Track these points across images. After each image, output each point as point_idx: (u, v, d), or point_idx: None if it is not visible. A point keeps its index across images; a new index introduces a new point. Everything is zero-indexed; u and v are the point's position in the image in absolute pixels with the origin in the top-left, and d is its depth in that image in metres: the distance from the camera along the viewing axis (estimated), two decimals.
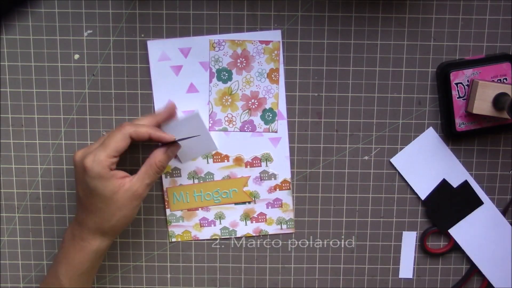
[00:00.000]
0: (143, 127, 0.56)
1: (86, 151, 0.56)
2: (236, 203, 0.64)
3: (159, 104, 0.62)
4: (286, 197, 0.64)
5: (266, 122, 0.63)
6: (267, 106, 0.62)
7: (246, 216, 0.65)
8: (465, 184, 0.64)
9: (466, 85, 0.60)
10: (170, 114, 0.60)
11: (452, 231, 0.65)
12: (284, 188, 0.64)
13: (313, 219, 0.65)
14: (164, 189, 0.64)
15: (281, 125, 0.63)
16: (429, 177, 0.64)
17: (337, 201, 0.65)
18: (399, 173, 0.64)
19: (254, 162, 0.63)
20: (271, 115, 0.62)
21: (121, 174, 0.55)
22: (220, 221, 0.65)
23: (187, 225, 0.65)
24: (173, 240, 0.65)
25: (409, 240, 0.66)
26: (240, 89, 0.62)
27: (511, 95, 0.58)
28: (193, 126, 0.61)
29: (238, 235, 0.65)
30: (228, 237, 0.65)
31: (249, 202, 0.64)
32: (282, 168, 0.63)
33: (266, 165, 0.63)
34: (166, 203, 0.64)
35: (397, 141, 0.63)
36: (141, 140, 0.56)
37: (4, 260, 0.65)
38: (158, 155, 0.57)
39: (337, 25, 0.61)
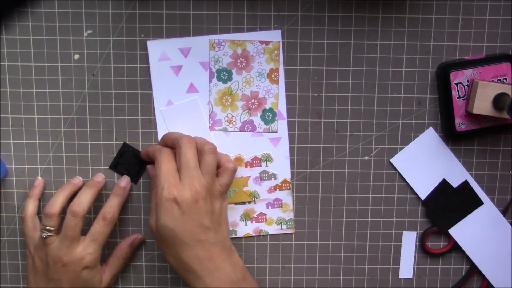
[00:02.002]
0: (124, 244, 0.63)
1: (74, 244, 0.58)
2: (236, 203, 0.64)
3: (159, 104, 0.62)
4: (286, 197, 0.64)
5: (266, 122, 0.63)
6: (267, 106, 0.62)
7: (246, 216, 0.65)
8: (465, 184, 0.64)
9: (466, 85, 0.60)
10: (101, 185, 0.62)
11: (452, 231, 0.65)
12: (284, 188, 0.64)
13: (313, 219, 0.65)
14: None
15: (281, 125, 0.63)
16: (429, 177, 0.64)
17: (337, 201, 0.65)
18: (399, 173, 0.64)
19: (254, 162, 0.63)
20: (271, 115, 0.63)
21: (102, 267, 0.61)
22: None
23: None
24: None
25: (409, 240, 0.66)
26: (240, 89, 0.62)
27: (511, 95, 0.58)
28: (191, 112, 0.61)
29: (238, 235, 0.65)
30: None
31: (249, 202, 0.64)
32: (282, 168, 0.63)
33: (266, 165, 0.63)
34: None
35: (397, 141, 0.63)
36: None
37: (4, 260, 0.65)
38: (124, 248, 0.63)
39: (337, 25, 0.61)
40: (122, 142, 0.62)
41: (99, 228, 0.58)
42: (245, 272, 0.57)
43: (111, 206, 0.59)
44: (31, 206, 0.61)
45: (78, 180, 0.62)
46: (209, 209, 0.55)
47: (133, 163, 0.62)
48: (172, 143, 0.58)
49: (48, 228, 0.57)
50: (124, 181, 0.62)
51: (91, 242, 0.58)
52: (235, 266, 0.56)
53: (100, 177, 0.62)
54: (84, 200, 0.58)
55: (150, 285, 0.66)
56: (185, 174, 0.54)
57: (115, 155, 0.63)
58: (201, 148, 0.56)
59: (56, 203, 0.58)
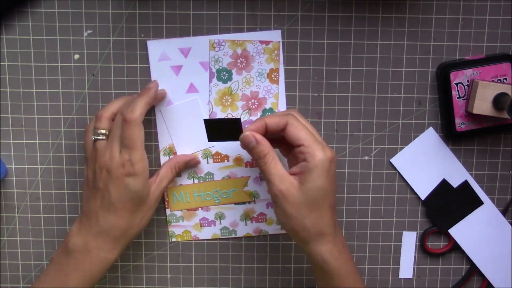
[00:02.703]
0: (183, 158, 0.61)
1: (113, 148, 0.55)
2: (236, 203, 0.64)
3: (159, 104, 0.62)
4: None
5: None
6: (267, 106, 0.62)
7: (246, 216, 0.65)
8: (465, 184, 0.64)
9: (466, 85, 0.60)
10: (161, 95, 0.60)
11: (452, 231, 0.65)
12: None
13: None
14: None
15: None
16: (429, 177, 0.64)
17: (337, 201, 0.65)
18: (399, 173, 0.64)
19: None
20: None
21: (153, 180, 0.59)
22: (220, 221, 0.65)
23: (187, 225, 0.65)
24: (173, 240, 0.65)
25: (409, 240, 0.66)
26: (240, 89, 0.62)
27: (511, 95, 0.58)
28: (190, 112, 0.61)
29: (238, 235, 0.65)
30: (228, 237, 0.65)
31: (249, 202, 0.64)
32: None
33: None
34: (166, 203, 0.64)
35: (397, 141, 0.63)
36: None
37: (4, 260, 0.65)
38: (180, 161, 0.61)
39: (337, 25, 0.61)
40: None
41: (127, 131, 0.54)
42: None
43: (136, 106, 0.55)
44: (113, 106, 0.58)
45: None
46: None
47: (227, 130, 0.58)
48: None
49: (99, 131, 0.56)
50: (153, 83, 0.59)
51: (125, 149, 0.54)
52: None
53: (153, 84, 0.58)
54: (136, 106, 0.55)
55: (150, 285, 0.66)
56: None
57: None
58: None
59: (109, 107, 0.57)
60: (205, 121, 0.56)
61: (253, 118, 0.62)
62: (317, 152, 0.53)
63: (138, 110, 0.55)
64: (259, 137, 0.54)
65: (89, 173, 0.57)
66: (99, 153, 0.56)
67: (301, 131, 0.53)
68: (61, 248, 0.58)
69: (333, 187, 0.55)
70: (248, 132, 0.54)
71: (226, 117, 0.57)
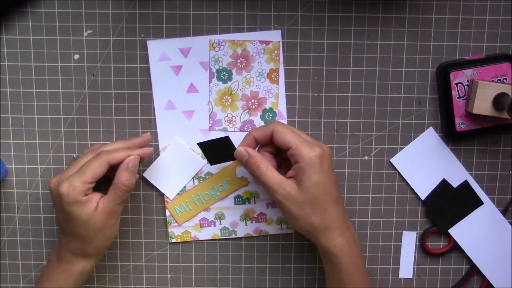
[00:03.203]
0: (120, 152, 0.57)
1: (61, 177, 0.56)
2: (236, 201, 0.64)
3: (159, 104, 0.62)
4: None
5: (266, 122, 0.63)
6: (267, 106, 0.62)
7: (246, 216, 0.65)
8: (465, 184, 0.64)
9: (466, 85, 0.60)
10: (144, 145, 0.60)
11: (452, 231, 0.65)
12: None
13: None
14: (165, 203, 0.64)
15: None
16: (429, 177, 0.64)
17: None
18: (399, 173, 0.64)
19: None
20: (271, 115, 0.63)
21: (95, 197, 0.56)
22: (220, 222, 0.65)
23: (187, 226, 0.65)
24: (173, 241, 0.65)
25: (409, 240, 0.66)
26: (240, 89, 0.62)
27: (511, 95, 0.58)
28: (224, 148, 0.60)
29: (238, 235, 0.65)
30: (228, 237, 0.65)
31: (246, 185, 0.64)
32: None
33: None
34: (165, 203, 0.64)
35: (397, 141, 0.63)
36: (119, 163, 0.57)
37: (4, 260, 0.65)
38: (121, 174, 0.56)
39: (337, 25, 0.61)
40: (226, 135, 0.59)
41: (94, 165, 0.55)
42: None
43: (126, 176, 0.56)
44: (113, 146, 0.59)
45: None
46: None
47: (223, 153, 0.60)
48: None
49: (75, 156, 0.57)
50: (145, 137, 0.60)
51: (77, 174, 0.55)
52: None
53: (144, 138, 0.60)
54: (112, 146, 0.58)
55: (150, 285, 0.66)
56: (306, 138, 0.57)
57: None
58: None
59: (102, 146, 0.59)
60: (199, 144, 0.59)
61: (253, 118, 0.62)
62: (305, 151, 0.54)
63: (112, 146, 0.58)
64: (251, 150, 0.57)
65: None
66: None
67: (287, 134, 0.56)
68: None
69: (331, 181, 0.56)
70: (240, 147, 0.58)
71: (216, 138, 0.59)
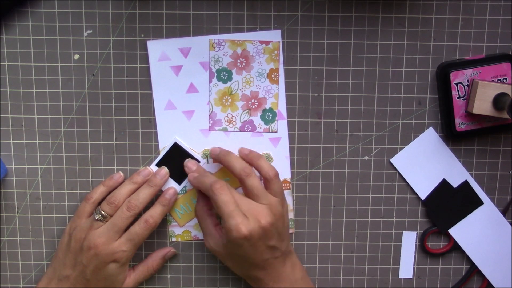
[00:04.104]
0: (157, 254, 0.64)
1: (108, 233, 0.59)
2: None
3: (159, 104, 0.62)
4: (286, 197, 0.64)
5: (266, 122, 0.63)
6: (267, 106, 0.62)
7: None
8: (465, 184, 0.64)
9: (466, 85, 0.60)
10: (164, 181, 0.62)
11: (452, 231, 0.65)
12: (284, 188, 0.64)
13: (313, 219, 0.65)
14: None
15: (281, 125, 0.63)
16: (429, 177, 0.64)
17: (337, 201, 0.65)
18: (399, 173, 0.64)
19: None
20: (271, 115, 0.63)
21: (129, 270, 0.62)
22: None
23: (187, 225, 0.65)
24: (173, 240, 0.65)
25: (409, 240, 0.66)
26: (240, 89, 0.62)
27: (511, 95, 0.58)
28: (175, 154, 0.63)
29: None
30: None
31: None
32: (282, 168, 0.63)
33: None
34: (175, 221, 0.64)
35: (397, 141, 0.63)
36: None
37: (4, 260, 0.65)
38: (157, 259, 0.64)
39: (337, 25, 0.61)
40: (174, 142, 0.62)
41: (139, 230, 0.58)
42: (303, 272, 0.62)
43: (155, 213, 0.60)
44: (100, 193, 0.61)
45: (146, 174, 0.62)
46: (274, 230, 0.57)
47: (178, 165, 0.63)
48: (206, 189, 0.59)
49: (103, 213, 0.58)
50: (171, 192, 0.62)
51: (128, 241, 0.58)
52: (294, 268, 0.60)
53: (171, 193, 0.62)
54: (142, 198, 0.59)
55: (150, 285, 0.66)
56: (250, 208, 0.57)
57: (115, 155, 0.63)
58: (267, 175, 0.59)
59: (121, 195, 0.59)
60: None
61: (253, 118, 0.62)
62: (229, 231, 0.55)
63: (158, 218, 0.60)
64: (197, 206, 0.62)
65: (73, 242, 0.59)
66: (93, 234, 0.58)
67: (220, 207, 0.56)
68: None
69: (257, 255, 0.57)
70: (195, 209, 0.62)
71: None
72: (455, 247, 0.66)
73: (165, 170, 0.62)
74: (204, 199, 0.61)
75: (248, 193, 0.58)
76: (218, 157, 0.61)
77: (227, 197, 0.55)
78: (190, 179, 0.61)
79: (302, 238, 0.65)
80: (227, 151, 0.61)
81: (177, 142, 0.61)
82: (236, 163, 0.58)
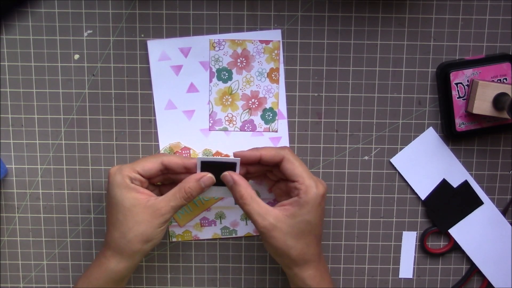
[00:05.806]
0: (177, 158, 0.57)
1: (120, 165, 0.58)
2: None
3: (159, 104, 0.62)
4: None
5: (267, 122, 0.63)
6: (267, 106, 0.62)
7: (247, 216, 0.65)
8: (465, 184, 0.64)
9: (466, 85, 0.60)
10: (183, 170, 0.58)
11: (452, 231, 0.65)
12: None
13: None
14: None
15: (281, 125, 0.63)
16: (429, 177, 0.64)
17: (337, 201, 0.65)
18: (399, 173, 0.64)
19: None
20: (271, 115, 0.63)
21: (146, 192, 0.56)
22: (220, 221, 0.65)
23: (188, 225, 0.65)
24: (174, 240, 0.65)
25: (409, 240, 0.66)
26: (240, 89, 0.62)
27: (511, 95, 0.58)
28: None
29: (239, 235, 0.65)
30: (228, 236, 0.65)
31: None
32: None
33: None
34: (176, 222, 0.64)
35: (397, 141, 0.63)
36: (174, 170, 0.57)
37: (4, 260, 0.65)
38: (190, 181, 0.56)
39: (337, 25, 0.61)
40: (200, 162, 0.57)
41: (148, 159, 0.57)
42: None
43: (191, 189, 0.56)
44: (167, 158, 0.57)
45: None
46: None
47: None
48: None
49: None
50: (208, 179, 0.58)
51: (130, 163, 0.57)
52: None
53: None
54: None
55: (150, 285, 0.66)
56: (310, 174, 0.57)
57: (115, 155, 0.63)
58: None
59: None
60: (201, 162, 0.56)
61: (253, 117, 0.62)
62: (311, 188, 0.55)
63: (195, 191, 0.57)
64: (236, 177, 0.56)
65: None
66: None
67: (298, 167, 0.56)
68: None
69: (321, 220, 0.57)
70: (226, 173, 0.57)
71: (223, 159, 0.57)
72: (455, 247, 0.66)
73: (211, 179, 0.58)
74: (247, 186, 0.57)
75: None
76: (247, 157, 0.58)
77: (297, 162, 0.57)
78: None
79: None
80: (252, 148, 0.59)
81: (203, 160, 0.56)
82: (269, 150, 0.58)
